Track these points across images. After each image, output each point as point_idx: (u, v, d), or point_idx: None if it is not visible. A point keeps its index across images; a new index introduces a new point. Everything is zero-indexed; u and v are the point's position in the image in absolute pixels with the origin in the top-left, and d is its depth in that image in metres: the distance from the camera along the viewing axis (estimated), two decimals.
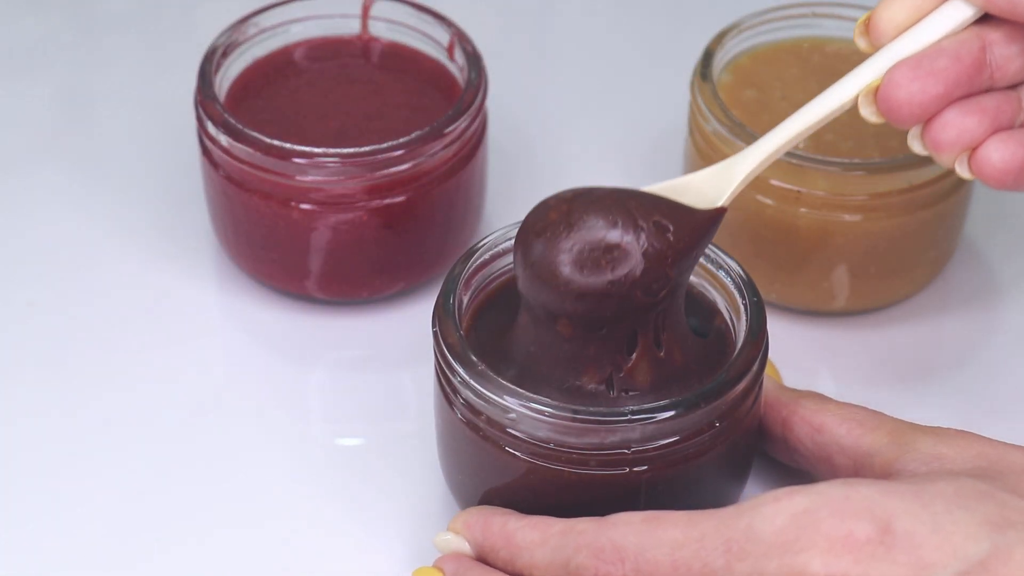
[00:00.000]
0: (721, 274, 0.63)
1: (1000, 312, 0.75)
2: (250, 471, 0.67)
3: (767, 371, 0.62)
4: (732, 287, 0.63)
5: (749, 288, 0.62)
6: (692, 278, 0.65)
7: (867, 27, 0.61)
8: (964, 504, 0.53)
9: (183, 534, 0.65)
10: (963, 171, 0.60)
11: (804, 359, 0.72)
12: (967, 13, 0.60)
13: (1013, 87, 0.61)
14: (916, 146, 0.61)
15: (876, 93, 0.60)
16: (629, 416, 0.57)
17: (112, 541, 0.65)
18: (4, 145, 0.83)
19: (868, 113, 0.61)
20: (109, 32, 0.90)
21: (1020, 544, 0.52)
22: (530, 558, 0.58)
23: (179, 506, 0.66)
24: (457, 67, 0.75)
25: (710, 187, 0.61)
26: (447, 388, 0.61)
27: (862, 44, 0.61)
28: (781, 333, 0.72)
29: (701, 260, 0.64)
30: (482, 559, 0.60)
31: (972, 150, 0.60)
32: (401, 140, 0.70)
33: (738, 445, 0.61)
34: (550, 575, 0.57)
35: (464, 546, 0.60)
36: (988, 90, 0.60)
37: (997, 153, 0.59)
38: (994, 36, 0.60)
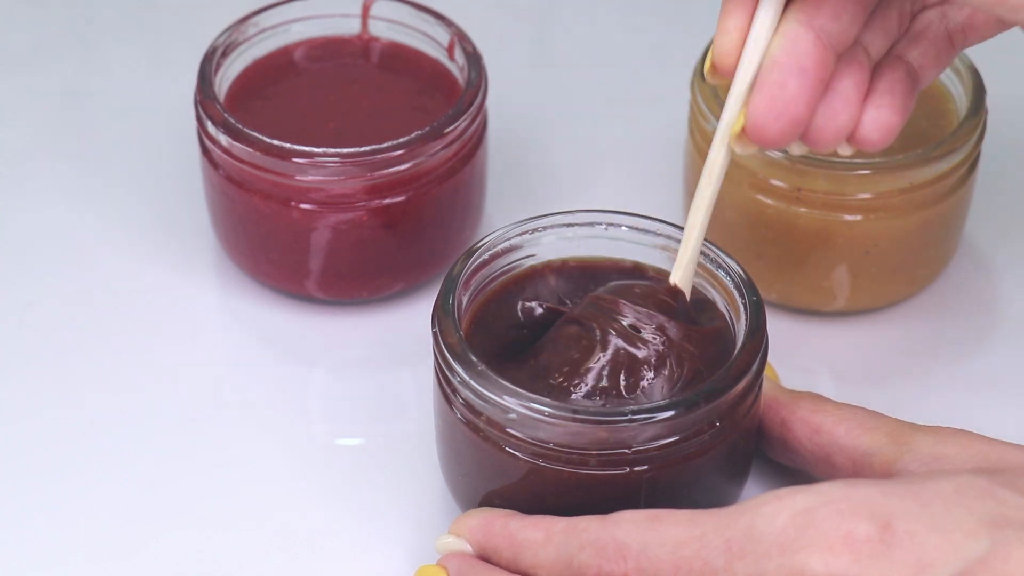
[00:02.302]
0: (721, 274, 0.63)
1: (1000, 312, 0.75)
2: (250, 471, 0.67)
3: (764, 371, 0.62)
4: (732, 287, 0.63)
5: (749, 288, 0.62)
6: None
7: (714, 68, 0.59)
8: (963, 503, 0.53)
9: (182, 534, 0.65)
10: (844, 151, 0.60)
11: (804, 359, 0.72)
12: (777, 7, 0.58)
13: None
14: (796, 150, 0.60)
15: (745, 133, 0.58)
16: (629, 416, 0.57)
17: (111, 541, 0.65)
18: (3, 144, 0.83)
19: (742, 150, 0.59)
20: (109, 32, 0.90)
21: (1020, 542, 0.51)
22: (533, 557, 0.58)
23: (178, 506, 0.66)
24: (457, 67, 0.75)
25: None
26: (447, 388, 0.61)
27: (715, 83, 0.60)
28: (781, 333, 0.72)
29: (701, 260, 0.64)
30: (485, 560, 0.60)
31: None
32: (401, 140, 0.69)
33: (738, 445, 0.61)
34: (554, 573, 0.57)
35: (466, 548, 0.60)
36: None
37: (875, 134, 0.59)
38: (821, 21, 0.58)
